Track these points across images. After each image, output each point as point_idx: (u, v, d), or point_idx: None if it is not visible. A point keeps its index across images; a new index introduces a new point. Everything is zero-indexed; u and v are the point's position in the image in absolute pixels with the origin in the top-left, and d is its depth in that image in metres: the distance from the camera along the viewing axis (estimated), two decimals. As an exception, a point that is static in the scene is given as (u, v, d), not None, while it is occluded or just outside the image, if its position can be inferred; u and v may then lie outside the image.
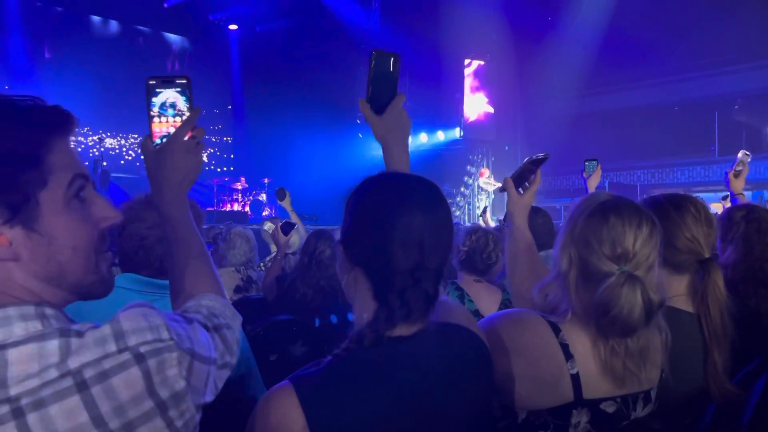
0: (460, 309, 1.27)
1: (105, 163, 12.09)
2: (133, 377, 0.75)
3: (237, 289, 3.64)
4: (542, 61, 14.78)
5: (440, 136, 16.19)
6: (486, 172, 13.62)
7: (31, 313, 0.76)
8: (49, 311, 0.79)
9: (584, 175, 3.15)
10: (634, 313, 1.20)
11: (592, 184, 3.09)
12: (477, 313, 2.83)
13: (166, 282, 1.70)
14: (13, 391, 0.70)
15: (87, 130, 14.90)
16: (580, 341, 1.27)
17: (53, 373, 0.71)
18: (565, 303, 1.31)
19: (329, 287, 2.95)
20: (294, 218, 4.62)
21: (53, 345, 0.73)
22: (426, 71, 15.11)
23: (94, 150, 14.09)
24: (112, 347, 0.75)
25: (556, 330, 1.28)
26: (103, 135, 14.22)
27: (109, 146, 15.20)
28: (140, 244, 1.71)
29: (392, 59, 1.31)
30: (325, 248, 3.06)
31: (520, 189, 1.79)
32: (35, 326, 0.76)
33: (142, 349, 0.77)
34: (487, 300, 2.94)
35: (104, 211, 0.90)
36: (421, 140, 16.24)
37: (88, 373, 0.73)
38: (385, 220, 1.03)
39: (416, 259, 1.02)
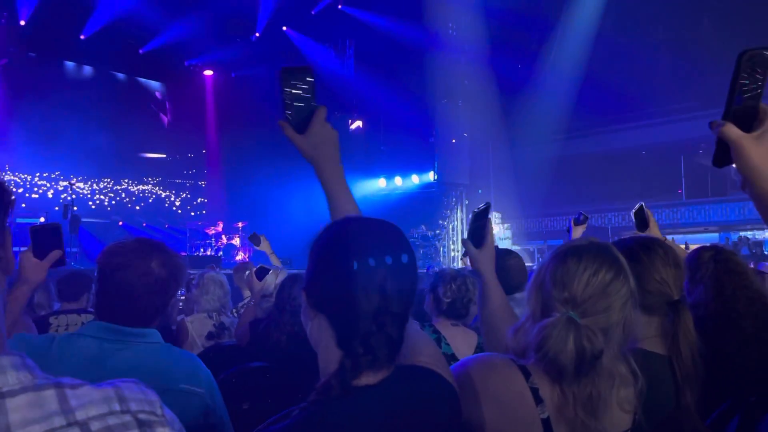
0: (429, 348, 1.25)
1: (75, 208, 11.92)
2: None
3: (209, 336, 3.56)
4: (514, 107, 15.15)
5: (414, 179, 16.36)
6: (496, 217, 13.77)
7: (18, 362, 0.77)
8: (29, 361, 0.79)
9: (572, 223, 3.22)
10: (562, 357, 1.20)
11: (577, 233, 3.15)
12: (453, 357, 2.82)
13: (139, 330, 1.67)
14: None
15: (57, 175, 14.73)
16: (545, 385, 1.27)
17: (60, 421, 0.73)
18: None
19: (303, 333, 2.90)
20: (275, 261, 4.57)
21: (50, 394, 0.75)
22: (400, 115, 15.36)
23: (65, 195, 13.90)
24: (117, 407, 0.78)
25: (527, 374, 1.27)
26: (74, 179, 14.06)
27: (80, 191, 15.01)
28: (127, 292, 1.66)
29: (304, 73, 1.28)
30: (297, 293, 3.03)
31: (478, 245, 1.80)
32: (26, 376, 0.76)
33: (142, 416, 0.79)
34: (463, 344, 2.94)
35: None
36: (395, 183, 16.37)
37: (95, 426, 0.75)
38: (347, 265, 1.02)
39: (379, 303, 1.01)
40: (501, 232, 15.05)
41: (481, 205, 1.83)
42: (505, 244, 13.96)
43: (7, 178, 13.82)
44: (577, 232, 3.15)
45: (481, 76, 14.94)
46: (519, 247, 13.60)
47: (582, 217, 3.24)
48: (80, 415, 0.74)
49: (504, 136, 15.90)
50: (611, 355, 1.26)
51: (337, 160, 1.34)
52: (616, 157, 16.53)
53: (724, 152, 1.06)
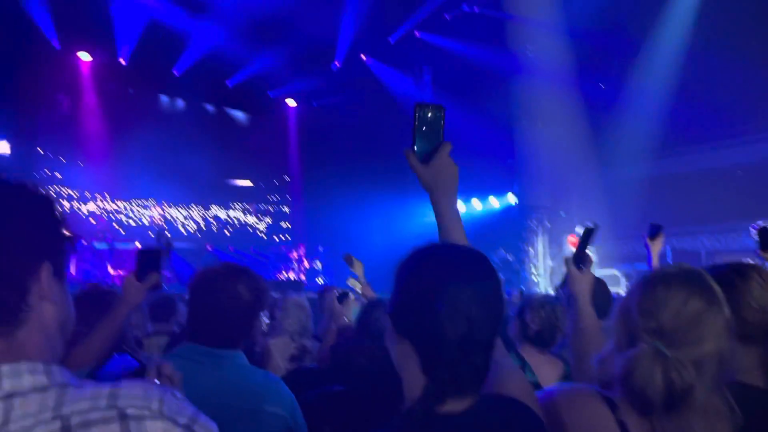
0: (516, 376, 1.23)
1: (169, 234, 12.56)
2: (110, 431, 0.80)
3: (292, 358, 3.63)
4: (601, 127, 14.75)
5: (493, 202, 16.17)
6: (574, 238, 13.41)
7: (39, 368, 0.84)
8: (55, 368, 0.86)
9: (647, 239, 3.00)
10: (650, 391, 1.15)
11: (656, 249, 2.95)
12: (537, 386, 2.74)
13: (226, 352, 1.74)
14: (12, 427, 0.78)
15: (152, 202, 15.60)
16: (633, 419, 1.22)
17: (48, 415, 0.79)
18: None
19: (385, 357, 2.90)
20: (359, 286, 4.56)
21: (52, 392, 0.82)
22: (478, 138, 15.28)
23: (158, 221, 14.69)
24: (103, 403, 0.82)
25: (613, 407, 1.23)
26: (166, 206, 14.86)
27: (171, 216, 15.83)
28: (216, 315, 1.73)
29: (435, 110, 1.36)
30: (380, 317, 3.05)
31: (581, 266, 1.77)
32: (41, 379, 0.83)
33: (130, 411, 0.82)
34: (548, 373, 2.85)
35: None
36: (473, 206, 16.24)
37: (74, 420, 0.79)
38: (433, 292, 1.02)
39: (464, 331, 1.01)
40: (586, 256, 14.52)
41: (590, 224, 1.83)
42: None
43: (106, 206, 14.78)
44: (656, 246, 2.95)
45: (564, 96, 14.66)
46: (607, 271, 13.11)
47: (654, 229, 3.02)
48: (65, 410, 0.80)
49: (590, 157, 15.46)
50: (705, 389, 1.19)
51: (455, 193, 1.39)
52: (709, 177, 15.70)
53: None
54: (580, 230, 1.87)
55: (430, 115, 1.35)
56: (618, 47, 14.72)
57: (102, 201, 14.68)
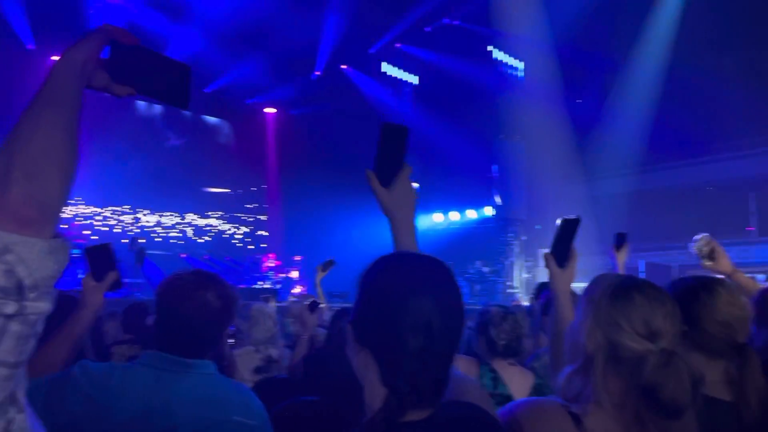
0: (474, 388, 1.23)
1: (142, 240, 12.39)
2: None
3: (257, 370, 3.56)
4: (578, 142, 14.94)
5: (471, 214, 16.26)
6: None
7: None
8: None
9: (613, 249, 2.99)
10: (684, 393, 1.15)
11: (621, 259, 2.95)
12: (509, 398, 2.74)
13: (194, 361, 1.71)
14: None
15: (128, 208, 15.39)
16: (606, 431, 1.22)
17: None
18: (588, 390, 1.26)
19: (351, 368, 2.87)
20: (319, 294, 4.60)
21: None
22: (457, 151, 15.38)
23: (133, 228, 14.49)
24: None
25: (577, 421, 1.23)
26: (141, 213, 14.66)
27: (146, 223, 15.62)
28: (184, 323, 1.69)
29: (400, 132, 1.33)
30: (346, 326, 3.00)
31: (562, 263, 1.76)
32: None
33: None
34: (520, 385, 2.86)
35: None
36: (451, 218, 16.31)
37: None
38: (394, 301, 1.02)
39: (425, 342, 1.00)
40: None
41: (572, 216, 1.77)
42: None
43: (79, 211, 14.54)
44: (621, 256, 2.91)
45: (544, 111, 14.85)
46: (583, 284, 13.22)
47: (620, 239, 3.01)
48: None
49: (565, 172, 15.65)
50: None
51: (413, 215, 1.39)
52: (681, 194, 16.00)
53: None
54: (558, 222, 1.80)
55: (395, 136, 1.33)
56: (600, 64, 14.98)
57: (74, 206, 14.45)
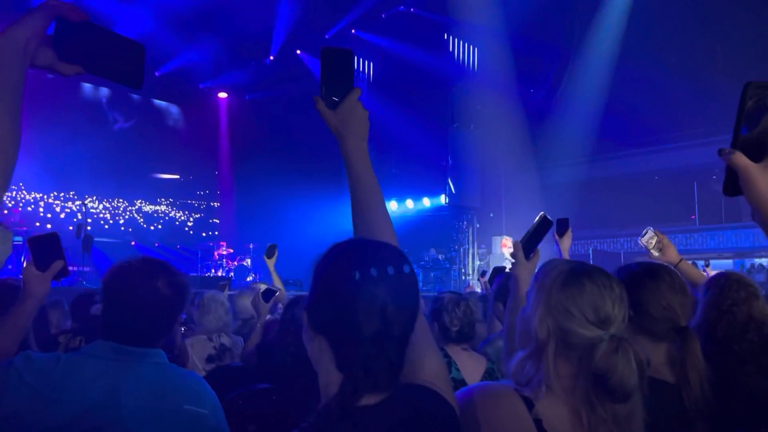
0: (432, 360, 1.23)
1: (89, 228, 12.02)
2: None
3: (209, 359, 3.51)
4: (527, 131, 15.18)
5: (426, 202, 16.38)
6: (508, 242, 13.60)
7: None
8: None
9: (556, 236, 3.02)
10: (632, 378, 1.19)
11: (565, 245, 2.99)
12: (462, 383, 2.79)
13: (144, 350, 1.67)
14: None
15: (72, 195, 14.89)
16: (556, 415, 1.25)
17: None
18: (540, 376, 1.29)
19: (306, 355, 2.86)
20: (276, 281, 4.55)
21: None
22: (412, 139, 15.43)
23: (79, 214, 14.04)
24: None
25: (530, 405, 1.26)
26: (88, 199, 14.20)
27: (94, 211, 15.16)
28: (133, 312, 1.65)
29: (345, 56, 1.31)
30: (301, 315, 2.98)
31: (529, 254, 1.82)
32: None
33: None
34: (473, 370, 2.91)
35: None
36: (407, 206, 16.40)
37: None
38: (348, 287, 1.02)
39: (379, 327, 1.01)
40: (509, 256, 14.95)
41: (549, 218, 1.88)
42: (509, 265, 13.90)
43: (20, 196, 14.01)
44: (565, 242, 2.91)
45: (496, 101, 15.03)
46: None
47: (563, 225, 3.04)
48: None
49: (519, 161, 15.91)
50: None
51: (365, 136, 1.33)
52: (629, 182, 16.48)
53: (734, 181, 1.06)
54: (536, 219, 1.91)
55: (339, 61, 1.31)
56: (552, 54, 15.23)
57: (16, 192, 13.91)
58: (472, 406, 1.27)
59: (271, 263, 4.72)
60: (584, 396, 1.23)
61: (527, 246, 1.83)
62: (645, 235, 2.82)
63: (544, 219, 1.82)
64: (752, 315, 1.94)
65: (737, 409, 1.65)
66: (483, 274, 7.89)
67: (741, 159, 1.02)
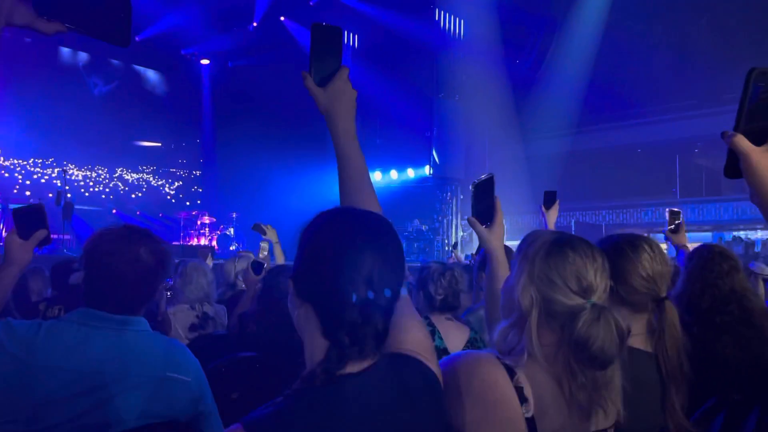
0: (416, 330, 1.25)
1: (69, 195, 11.87)
2: None
3: (192, 327, 3.51)
4: (511, 103, 15.14)
5: (410, 173, 16.37)
6: None
7: None
8: None
9: (543, 208, 3.04)
10: (613, 345, 1.21)
11: (552, 218, 3.01)
12: (445, 351, 2.82)
13: (126, 318, 1.66)
14: None
15: (52, 161, 14.66)
16: (537, 383, 1.27)
17: None
18: (522, 344, 1.30)
19: (289, 324, 2.87)
20: (278, 253, 4.49)
21: None
22: (397, 110, 15.33)
23: (58, 181, 13.85)
24: None
25: (511, 373, 1.27)
26: (68, 166, 13.98)
27: (74, 178, 14.95)
28: (115, 279, 1.64)
29: (333, 33, 1.32)
30: (284, 283, 2.99)
31: (487, 223, 1.79)
32: None
33: None
34: (456, 338, 2.95)
35: None
36: (391, 177, 16.38)
37: None
38: (334, 255, 1.03)
39: (366, 294, 1.02)
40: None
41: (483, 176, 1.77)
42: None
43: None
44: (552, 215, 2.94)
45: (481, 72, 14.94)
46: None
47: (550, 197, 2.97)
48: None
49: (504, 133, 15.90)
50: None
51: (352, 116, 1.35)
52: (612, 155, 16.57)
53: (734, 163, 1.07)
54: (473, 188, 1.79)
55: (328, 37, 1.32)
56: (538, 25, 15.13)
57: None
58: (454, 374, 1.28)
59: (272, 236, 4.58)
60: (565, 363, 1.25)
61: (479, 215, 1.77)
62: (675, 212, 3.14)
63: (477, 185, 1.76)
64: (734, 288, 1.98)
65: (712, 378, 1.69)
66: (455, 246, 7.95)
67: (742, 142, 1.03)
